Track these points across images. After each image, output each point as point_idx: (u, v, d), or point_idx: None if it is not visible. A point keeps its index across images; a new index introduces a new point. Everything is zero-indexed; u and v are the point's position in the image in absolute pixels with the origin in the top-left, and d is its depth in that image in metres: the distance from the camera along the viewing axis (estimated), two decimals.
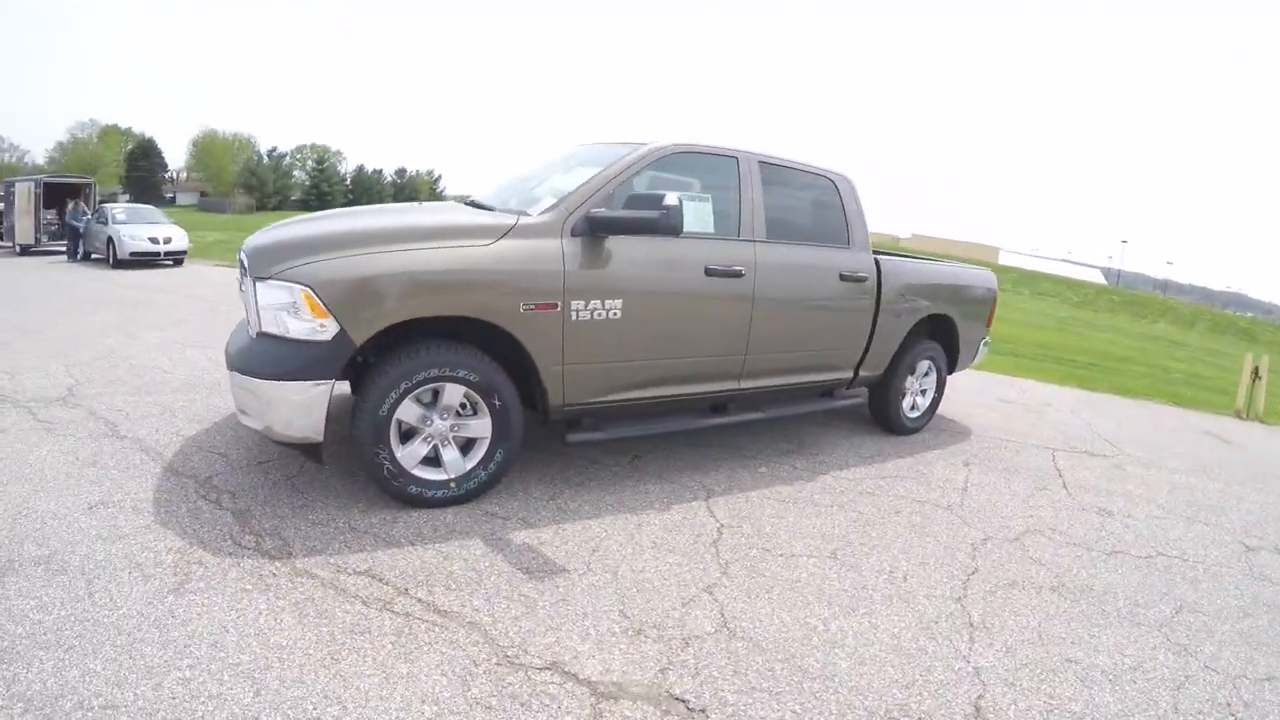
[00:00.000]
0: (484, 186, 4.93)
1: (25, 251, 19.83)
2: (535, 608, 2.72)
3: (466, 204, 4.46)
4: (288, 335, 3.08)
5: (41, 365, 5.74)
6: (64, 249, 19.09)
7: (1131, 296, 57.66)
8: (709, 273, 3.99)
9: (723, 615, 2.81)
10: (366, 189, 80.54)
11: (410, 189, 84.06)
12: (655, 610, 2.80)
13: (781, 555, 3.37)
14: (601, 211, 3.58)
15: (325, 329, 3.04)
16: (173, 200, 72.74)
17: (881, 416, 5.56)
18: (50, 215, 20.04)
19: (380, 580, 2.81)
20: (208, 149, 76.35)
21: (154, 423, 4.46)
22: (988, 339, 6.31)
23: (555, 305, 3.47)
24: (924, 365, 5.62)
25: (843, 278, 4.70)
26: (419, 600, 2.70)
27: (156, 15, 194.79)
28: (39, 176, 21.20)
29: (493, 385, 3.43)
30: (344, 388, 3.94)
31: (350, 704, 2.12)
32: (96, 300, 10.18)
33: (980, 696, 2.47)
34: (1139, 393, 10.12)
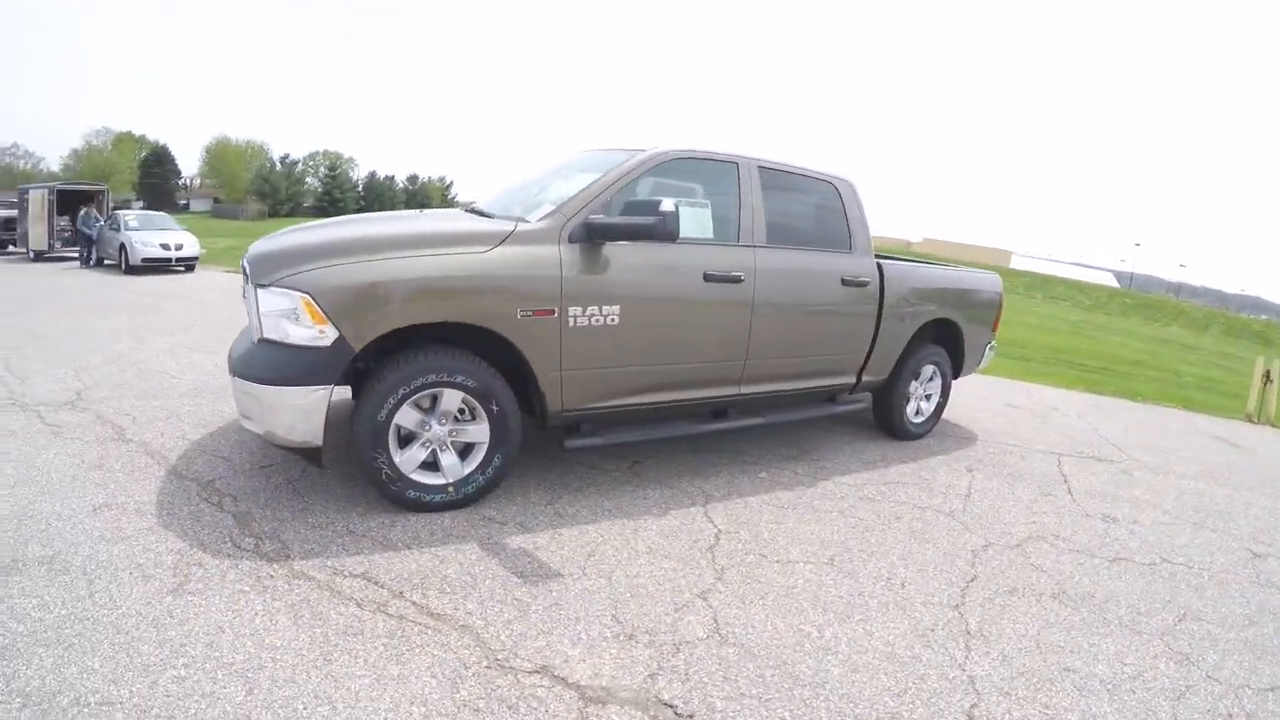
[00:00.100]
0: (487, 193, 4.95)
1: (39, 258, 20.06)
2: (528, 612, 2.73)
3: (467, 211, 4.49)
4: (288, 341, 3.13)
5: (51, 370, 5.81)
6: (77, 255, 19.29)
7: (1144, 300, 57.23)
8: (708, 278, 3.99)
9: (715, 621, 2.80)
10: (379, 195, 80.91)
11: (422, 195, 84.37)
12: (648, 615, 2.79)
13: (778, 561, 3.36)
14: (599, 218, 3.60)
15: (325, 335, 3.08)
16: (186, 207, 73.37)
17: (885, 422, 5.54)
18: (63, 222, 20.26)
19: (376, 583, 2.84)
20: (221, 156, 76.96)
21: (160, 427, 4.51)
22: (994, 343, 6.27)
23: (553, 311, 3.49)
24: (928, 370, 5.59)
25: (844, 282, 4.69)
26: (413, 603, 2.72)
27: (156, 15, 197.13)
28: (53, 184, 21.43)
29: (490, 391, 3.45)
30: (346, 393, 3.96)
31: (340, 704, 2.15)
32: (107, 306, 10.28)
33: (974, 705, 2.45)
34: (1149, 397, 10.03)
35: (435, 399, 3.40)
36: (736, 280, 4.10)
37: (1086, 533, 4.12)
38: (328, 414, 3.18)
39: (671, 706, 2.29)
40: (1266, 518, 4.78)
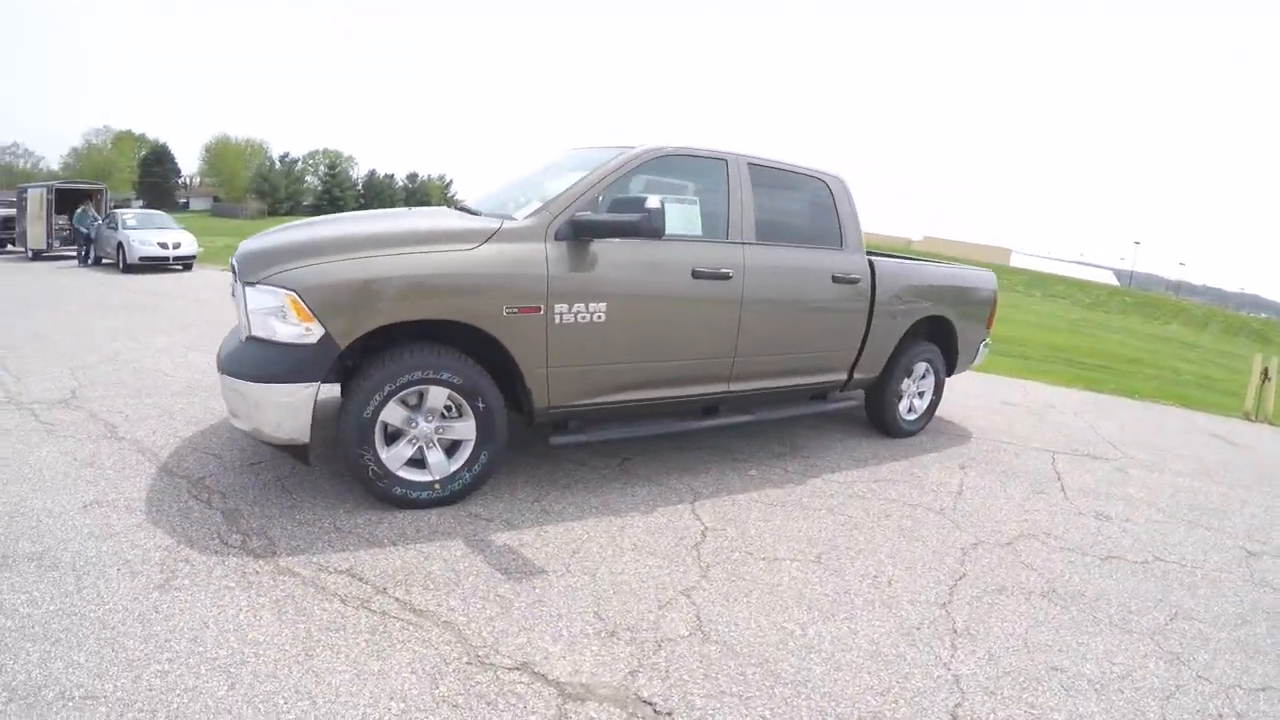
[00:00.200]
0: (478, 191, 4.94)
1: (38, 257, 20.07)
2: (510, 608, 2.73)
3: (455, 209, 4.49)
4: (275, 339, 3.14)
5: (47, 369, 5.82)
6: (75, 254, 19.27)
7: (1144, 298, 57.18)
8: (696, 275, 3.97)
9: (698, 618, 2.78)
10: (378, 194, 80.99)
11: (422, 194, 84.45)
12: (630, 612, 2.78)
13: (764, 559, 3.33)
14: (585, 215, 3.60)
15: (311, 332, 3.09)
16: (186, 205, 73.50)
17: (878, 419, 5.51)
18: (62, 221, 20.25)
19: (360, 579, 2.84)
20: (220, 154, 77.05)
21: (152, 425, 4.51)
22: (988, 340, 6.23)
23: (538, 308, 3.49)
24: (921, 367, 5.56)
25: (835, 279, 4.66)
26: (396, 599, 2.72)
27: (156, 15, 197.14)
28: (51, 183, 21.42)
29: (476, 388, 3.45)
30: (336, 391, 3.96)
31: (320, 699, 2.15)
32: (104, 305, 10.27)
33: (958, 705, 2.42)
34: (1147, 395, 9.99)
35: (421, 396, 3.41)
36: (725, 277, 4.08)
37: (1079, 531, 4.09)
38: (316, 412, 3.20)
39: (650, 704, 2.27)
40: (1262, 515, 4.74)
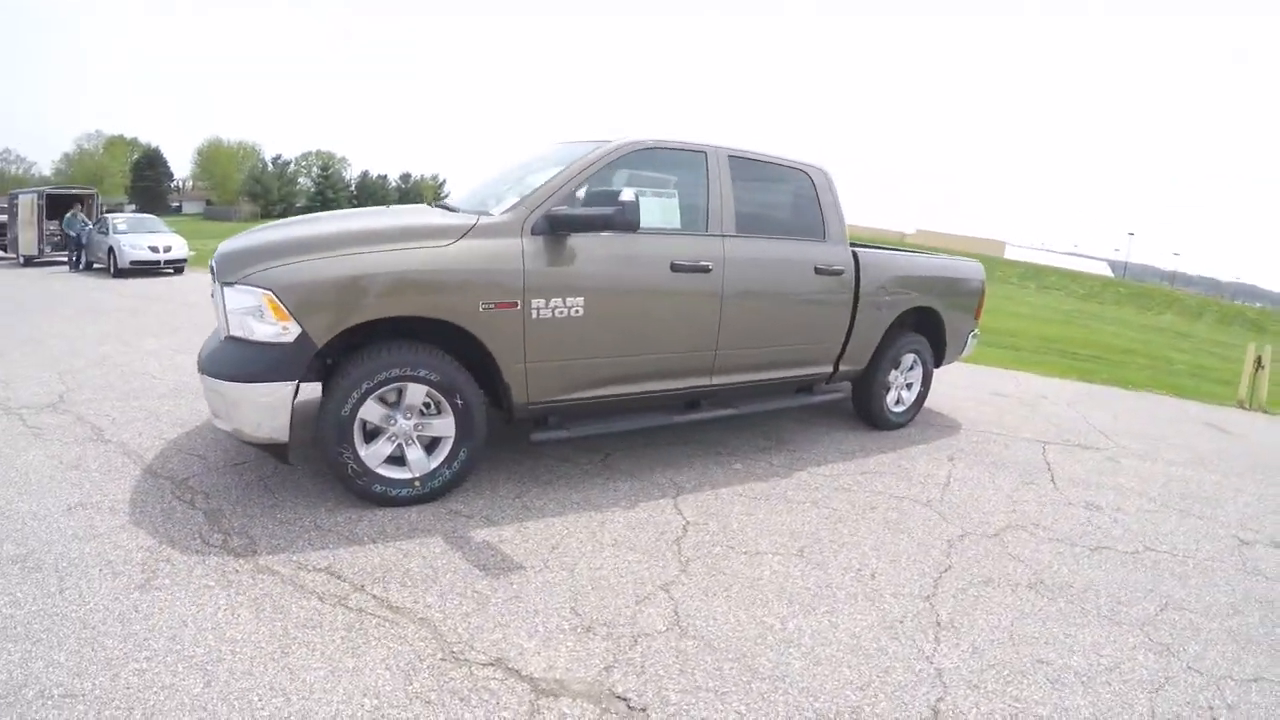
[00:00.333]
0: (460, 189, 4.90)
1: (29, 263, 19.92)
2: (487, 604, 2.71)
3: (435, 206, 4.48)
4: (253, 338, 3.15)
5: (36, 374, 5.80)
6: (66, 260, 19.16)
7: (1138, 289, 57.25)
8: (675, 268, 3.94)
9: (676, 613, 2.74)
10: (371, 194, 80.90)
11: (415, 194, 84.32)
12: (607, 608, 2.74)
13: (746, 553, 3.28)
14: (560, 209, 3.58)
15: (288, 331, 3.10)
16: (179, 209, 73.34)
17: (865, 412, 5.45)
18: (53, 226, 20.11)
19: (338, 577, 2.83)
20: (213, 157, 76.93)
21: (139, 427, 4.50)
22: (976, 331, 6.18)
23: (515, 304, 3.47)
24: (909, 359, 5.50)
25: (818, 271, 4.61)
26: (373, 596, 2.71)
27: (156, 15, 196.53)
28: (42, 188, 21.31)
29: (454, 385, 3.44)
30: (319, 390, 3.94)
31: (294, 695, 2.15)
32: (95, 309, 10.20)
33: (940, 699, 2.37)
34: (1140, 384, 9.96)
35: (400, 393, 3.40)
36: (705, 270, 4.04)
37: (1068, 521, 4.04)
38: (297, 411, 3.20)
39: (625, 699, 2.24)
40: (1256, 504, 4.69)
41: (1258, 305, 74.59)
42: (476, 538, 3.22)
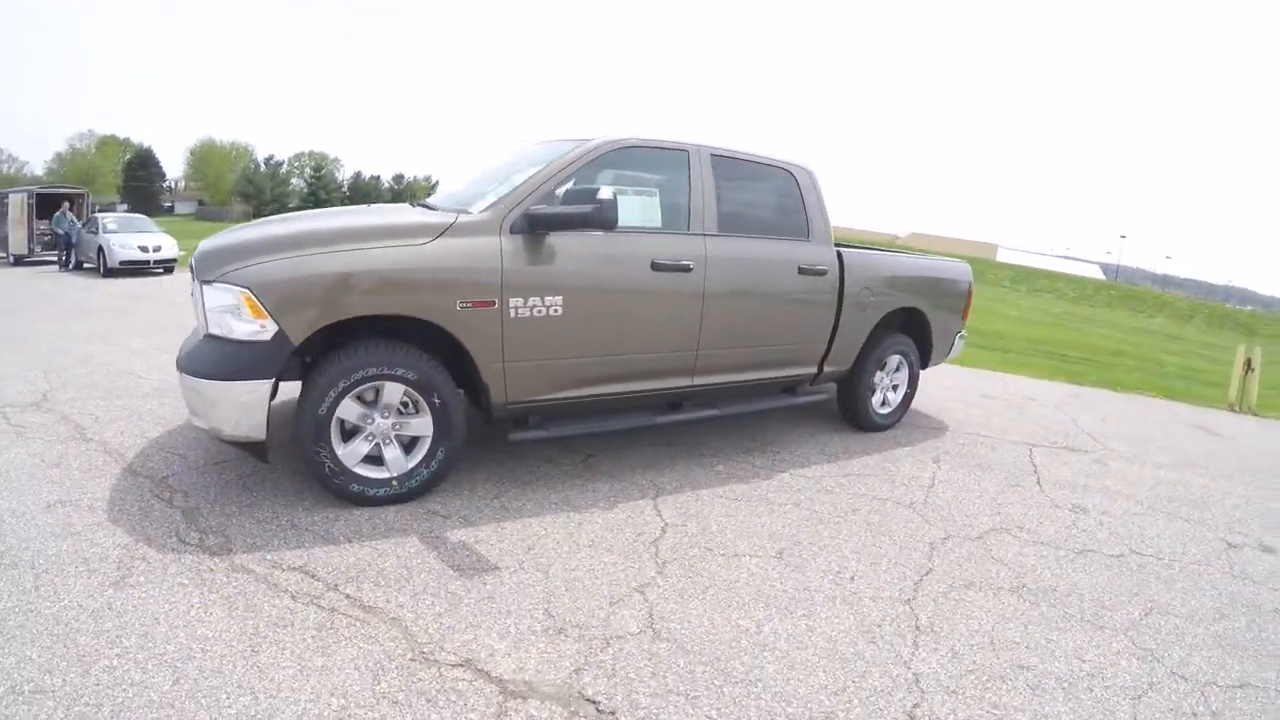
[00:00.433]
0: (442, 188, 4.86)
1: (19, 262, 19.85)
2: (459, 605, 2.69)
3: (415, 205, 4.47)
4: (231, 336, 3.15)
5: (22, 372, 5.77)
6: (56, 259, 19.06)
7: (1129, 291, 57.44)
8: (656, 267, 3.90)
9: (650, 616, 2.70)
10: (364, 195, 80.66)
11: (408, 195, 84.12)
12: (581, 609, 2.71)
13: (723, 555, 3.24)
14: (539, 208, 3.56)
15: (265, 329, 3.10)
16: (171, 209, 72.94)
17: (850, 413, 5.41)
18: (43, 226, 20.09)
19: (312, 576, 2.81)
20: (205, 158, 76.59)
21: (121, 426, 4.49)
22: (963, 332, 6.15)
23: (493, 303, 3.44)
24: (894, 360, 5.46)
25: (802, 271, 4.57)
26: (346, 596, 2.69)
27: (156, 15, 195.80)
28: (32, 188, 21.20)
29: (432, 384, 3.41)
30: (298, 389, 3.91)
31: (262, 694, 2.15)
32: (82, 309, 10.16)
33: (916, 705, 2.32)
34: (1129, 387, 9.94)
35: (378, 392, 3.38)
36: (686, 269, 4.00)
37: (1053, 524, 4.00)
38: (277, 410, 3.22)
39: (594, 702, 2.21)
40: (1244, 507, 4.66)
41: (1248, 308, 74.96)
42: (453, 538, 3.20)
